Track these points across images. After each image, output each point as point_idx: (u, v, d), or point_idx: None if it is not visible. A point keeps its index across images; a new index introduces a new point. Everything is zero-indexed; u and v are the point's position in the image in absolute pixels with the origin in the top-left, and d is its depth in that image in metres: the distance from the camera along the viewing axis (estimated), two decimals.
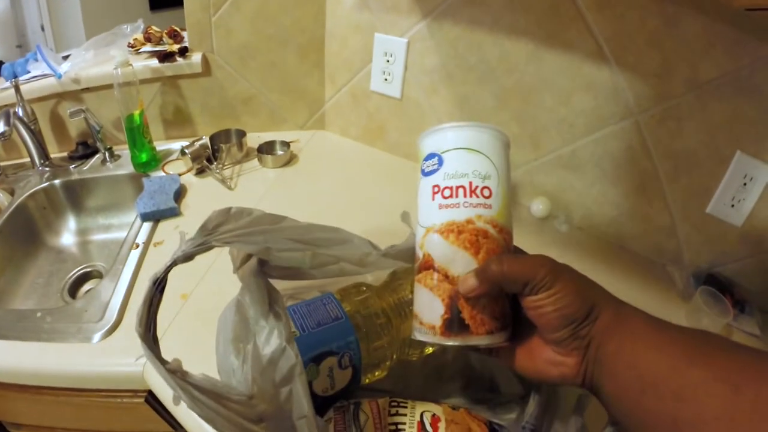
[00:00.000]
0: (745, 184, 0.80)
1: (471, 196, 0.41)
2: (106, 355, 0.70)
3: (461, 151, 0.42)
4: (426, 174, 0.44)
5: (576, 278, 0.39)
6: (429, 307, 0.42)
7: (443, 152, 0.43)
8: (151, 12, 2.72)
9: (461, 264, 0.41)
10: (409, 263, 0.53)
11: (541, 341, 0.41)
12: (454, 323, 0.41)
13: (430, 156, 0.44)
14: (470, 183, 0.41)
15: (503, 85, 0.94)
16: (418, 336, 0.44)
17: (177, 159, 1.12)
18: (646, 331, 0.37)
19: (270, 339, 0.46)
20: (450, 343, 0.41)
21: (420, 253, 0.44)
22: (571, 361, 0.39)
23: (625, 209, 0.93)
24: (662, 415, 0.33)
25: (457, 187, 0.41)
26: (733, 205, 0.83)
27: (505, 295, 0.42)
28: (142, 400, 0.73)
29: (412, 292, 0.46)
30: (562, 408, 0.49)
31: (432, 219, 0.43)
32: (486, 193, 0.41)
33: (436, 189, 0.43)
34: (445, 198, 0.42)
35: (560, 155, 0.94)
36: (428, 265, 0.43)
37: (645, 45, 0.79)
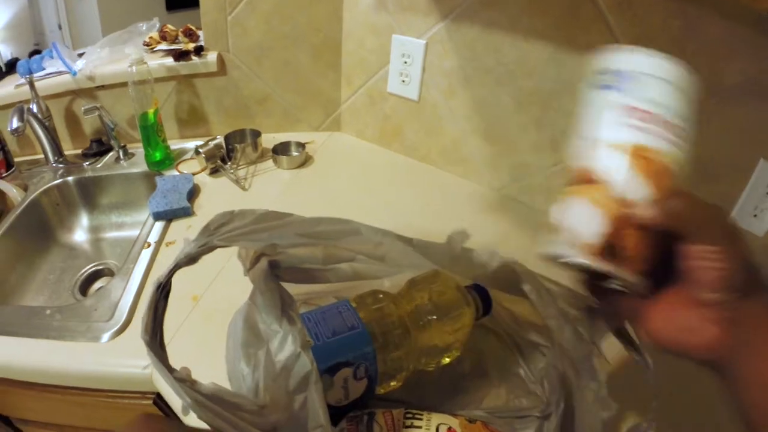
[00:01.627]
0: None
1: (669, 131, 0.39)
2: (115, 356, 0.69)
3: (668, 84, 0.41)
4: (617, 90, 0.41)
5: (747, 251, 0.35)
6: (587, 223, 0.38)
7: (647, 75, 0.41)
8: (167, 12, 2.73)
9: (639, 191, 0.37)
10: (432, 262, 0.51)
11: (688, 301, 0.37)
12: (612, 247, 0.37)
13: (630, 75, 0.41)
14: (672, 118, 0.39)
15: (522, 88, 0.92)
16: (558, 251, 0.39)
17: (191, 158, 1.12)
18: None
19: (284, 345, 0.45)
20: (600, 266, 0.37)
21: (586, 165, 0.40)
22: (715, 331, 0.35)
23: None
24: None
25: (658, 116, 0.39)
26: (755, 215, 0.80)
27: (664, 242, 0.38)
28: (151, 402, 0.72)
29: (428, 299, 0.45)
30: (583, 426, 0.47)
31: (616, 136, 0.39)
32: (682, 134, 0.39)
33: (630, 108, 0.39)
34: (641, 120, 0.39)
35: None
36: (597, 180, 0.39)
37: (667, 47, 0.76)
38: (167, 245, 0.88)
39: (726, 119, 0.76)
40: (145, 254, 0.86)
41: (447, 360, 0.61)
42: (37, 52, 1.65)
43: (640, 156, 0.38)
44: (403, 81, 1.04)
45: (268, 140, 1.15)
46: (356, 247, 0.53)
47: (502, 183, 1.03)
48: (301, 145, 1.13)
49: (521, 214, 0.99)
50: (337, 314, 0.56)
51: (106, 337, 0.71)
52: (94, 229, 1.13)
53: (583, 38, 0.82)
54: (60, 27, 2.45)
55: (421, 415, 0.54)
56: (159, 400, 0.72)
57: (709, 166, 0.80)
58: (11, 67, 1.28)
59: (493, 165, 1.02)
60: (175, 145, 1.15)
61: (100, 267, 1.06)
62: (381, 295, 0.60)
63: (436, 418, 0.54)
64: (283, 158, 1.09)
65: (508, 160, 1.00)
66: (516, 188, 1.02)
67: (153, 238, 0.89)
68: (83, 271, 1.04)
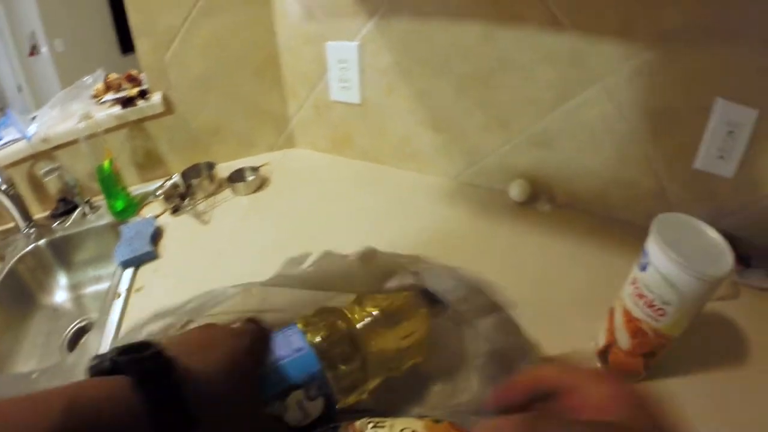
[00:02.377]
0: (731, 131, 0.75)
1: (648, 308, 0.55)
2: None
3: (661, 275, 0.54)
4: (639, 267, 0.57)
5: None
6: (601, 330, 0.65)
7: (654, 265, 0.55)
8: (122, 55, 2.74)
9: (623, 336, 0.60)
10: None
11: None
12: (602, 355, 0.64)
13: (646, 261, 0.56)
14: (653, 300, 0.55)
15: (461, 73, 0.91)
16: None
17: (152, 201, 1.12)
18: None
19: None
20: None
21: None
22: None
23: (608, 178, 0.89)
24: None
25: (643, 296, 0.56)
26: (721, 156, 0.78)
27: None
28: None
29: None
30: None
31: (625, 294, 0.59)
32: (660, 312, 0.54)
33: (634, 281, 0.57)
34: (635, 292, 0.57)
35: (532, 134, 0.91)
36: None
37: (600, 4, 0.75)
38: (136, 291, 0.88)
39: (674, 65, 0.75)
40: (117, 304, 0.87)
41: (410, 363, 0.60)
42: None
43: (626, 314, 0.59)
44: (344, 87, 1.04)
45: (225, 169, 1.15)
46: (242, 308, 0.53)
47: (457, 170, 1.02)
48: (255, 169, 1.13)
49: (481, 197, 0.99)
50: (283, 339, 0.56)
51: None
52: (74, 287, 1.13)
53: (513, 9, 0.82)
54: (20, 89, 2.47)
55: (384, 422, 0.54)
56: None
57: (667, 115, 0.78)
58: None
59: (445, 154, 1.02)
60: (137, 189, 1.15)
61: (85, 322, 1.06)
62: (329, 312, 0.59)
63: (400, 423, 0.53)
64: (240, 185, 1.09)
65: (459, 147, 0.99)
66: (471, 173, 1.01)
67: (123, 286, 0.90)
68: (69, 329, 1.05)
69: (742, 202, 0.80)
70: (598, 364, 0.63)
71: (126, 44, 2.75)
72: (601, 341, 0.63)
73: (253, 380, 0.42)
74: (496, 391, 0.34)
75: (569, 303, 0.73)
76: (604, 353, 0.63)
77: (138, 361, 0.35)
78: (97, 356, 0.36)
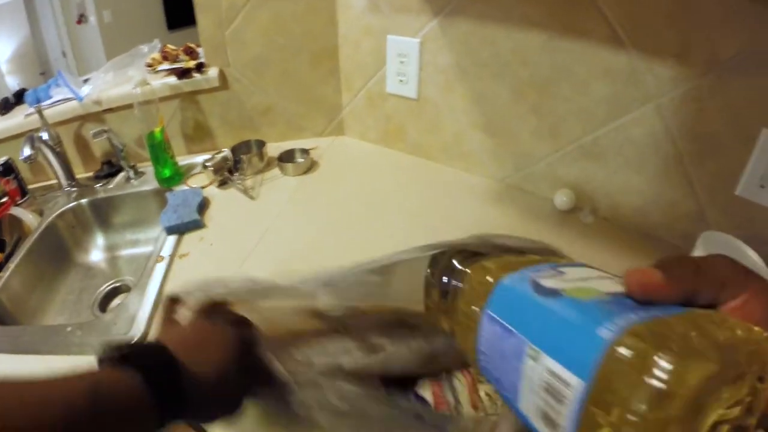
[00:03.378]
0: None
1: None
2: None
3: None
4: None
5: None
6: None
7: None
8: (168, 31, 2.77)
9: None
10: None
11: None
12: None
13: None
14: None
15: (519, 78, 0.93)
16: None
17: (199, 173, 1.14)
18: None
19: None
20: None
21: None
22: None
23: (651, 197, 0.90)
24: None
25: None
26: (762, 186, 0.80)
27: None
28: None
29: None
30: None
31: None
32: None
33: None
34: None
35: (581, 145, 0.93)
36: None
37: (661, 25, 0.77)
38: (180, 258, 0.90)
39: (725, 93, 0.76)
40: (160, 268, 0.88)
41: None
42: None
43: None
44: (401, 80, 1.06)
45: (274, 149, 1.17)
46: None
47: (505, 173, 1.04)
48: (306, 152, 1.15)
49: (526, 202, 1.00)
50: None
51: None
52: (110, 248, 1.15)
53: (577, 23, 0.83)
54: (64, 54, 2.50)
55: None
56: None
57: (713, 141, 0.80)
58: (19, 97, 1.32)
59: (495, 156, 1.03)
60: (183, 160, 1.17)
61: (118, 284, 1.08)
62: None
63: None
64: (289, 165, 1.10)
65: (510, 150, 1.00)
66: (519, 177, 1.02)
67: (166, 251, 0.91)
68: (101, 289, 1.06)
69: None
70: None
71: (173, 20, 2.79)
72: None
73: (241, 384, 0.43)
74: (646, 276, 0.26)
75: None
76: None
77: (148, 356, 0.38)
78: (108, 348, 0.38)
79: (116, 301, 1.05)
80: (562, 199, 0.95)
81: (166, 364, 0.38)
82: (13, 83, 2.26)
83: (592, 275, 0.30)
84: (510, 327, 0.28)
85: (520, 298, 0.29)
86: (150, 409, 0.35)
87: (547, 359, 0.25)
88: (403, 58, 1.03)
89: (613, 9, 0.79)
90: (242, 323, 0.44)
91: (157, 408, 0.35)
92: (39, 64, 2.51)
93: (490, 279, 0.32)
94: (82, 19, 2.66)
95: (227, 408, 0.42)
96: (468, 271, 0.35)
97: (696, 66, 0.77)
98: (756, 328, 0.23)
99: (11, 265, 0.96)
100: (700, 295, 0.26)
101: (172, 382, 0.37)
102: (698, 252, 0.57)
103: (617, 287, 0.27)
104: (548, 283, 0.29)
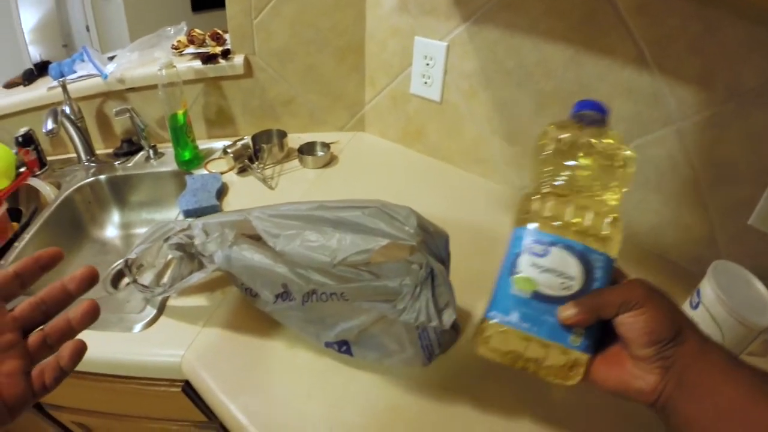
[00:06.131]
0: None
1: None
2: (146, 345, 0.73)
3: (710, 315, 0.60)
4: (691, 305, 0.63)
5: (667, 302, 0.42)
6: None
7: (705, 305, 0.63)
8: (193, 13, 2.78)
9: None
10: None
11: (625, 357, 0.43)
12: None
13: (698, 300, 0.63)
14: None
15: (542, 90, 0.94)
16: None
17: (219, 158, 1.15)
18: (726, 364, 0.40)
19: None
20: None
21: None
22: (651, 380, 0.41)
23: (666, 217, 0.91)
24: None
25: None
26: None
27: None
28: (179, 389, 0.75)
29: None
30: None
31: None
32: None
33: None
34: None
35: None
36: None
37: (686, 50, 0.77)
38: None
39: (746, 122, 0.76)
40: None
41: None
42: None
43: None
44: (426, 82, 1.06)
45: (294, 140, 1.18)
46: None
47: (523, 182, 1.04)
48: (326, 145, 1.16)
49: None
50: None
51: (138, 327, 0.75)
52: (125, 226, 1.16)
53: (603, 40, 0.84)
54: (88, 28, 2.52)
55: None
56: (187, 387, 0.75)
57: (730, 168, 0.81)
58: (42, 69, 1.33)
59: (514, 164, 1.04)
60: (203, 144, 1.18)
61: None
62: None
63: None
64: (309, 158, 1.11)
65: (529, 160, 1.01)
66: None
67: None
68: (114, 265, 1.08)
69: None
70: None
71: (198, 2, 2.80)
72: None
73: None
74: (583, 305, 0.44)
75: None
76: None
77: None
78: None
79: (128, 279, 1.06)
80: None
81: None
82: (35, 53, 2.27)
83: None
84: None
85: None
86: None
87: None
88: (429, 60, 1.03)
89: (641, 29, 0.79)
90: None
91: None
92: (62, 36, 2.52)
93: None
94: None
95: None
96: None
97: (718, 93, 0.77)
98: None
99: (26, 235, 0.98)
100: (605, 315, 0.43)
101: None
102: (708, 279, 0.60)
103: None
104: None
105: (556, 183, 0.49)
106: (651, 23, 0.78)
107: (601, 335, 0.45)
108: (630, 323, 0.41)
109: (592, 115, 0.51)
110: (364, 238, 0.56)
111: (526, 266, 0.46)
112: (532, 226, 0.48)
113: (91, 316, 0.41)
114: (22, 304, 0.39)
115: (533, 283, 0.46)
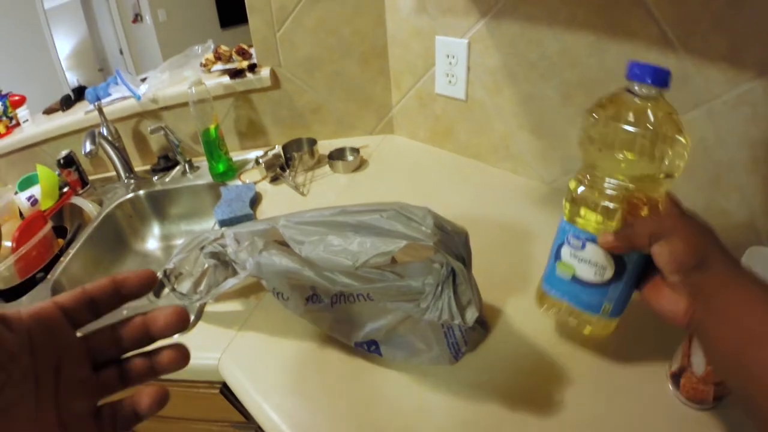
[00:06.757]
0: None
1: None
2: None
3: None
4: None
5: (696, 232, 0.46)
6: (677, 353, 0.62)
7: None
8: (221, 29, 2.85)
9: (698, 362, 0.57)
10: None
11: (663, 284, 0.49)
12: (675, 377, 0.61)
13: None
14: None
15: (567, 80, 0.93)
16: None
17: (252, 168, 1.18)
18: (755, 290, 0.42)
19: None
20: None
21: None
22: (682, 304, 0.46)
23: (700, 204, 0.89)
24: (762, 366, 0.38)
25: None
26: None
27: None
28: (218, 391, 0.78)
29: None
30: None
31: None
32: None
33: None
34: None
35: None
36: None
37: (710, 28, 0.75)
38: None
39: None
40: None
41: None
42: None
43: None
44: (450, 81, 1.07)
45: (324, 147, 1.20)
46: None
47: (552, 176, 1.04)
48: (356, 150, 1.17)
49: None
50: None
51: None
52: (165, 237, 1.21)
53: (625, 24, 0.82)
54: (121, 52, 2.61)
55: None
56: (225, 389, 0.77)
57: (767, 146, 0.78)
58: (79, 94, 1.39)
59: (542, 158, 1.03)
60: (236, 156, 1.22)
61: None
62: None
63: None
64: (339, 163, 1.13)
65: (558, 153, 1.00)
66: (567, 180, 1.02)
67: None
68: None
69: None
70: (670, 387, 0.61)
71: (225, 19, 2.87)
72: (675, 364, 0.60)
73: None
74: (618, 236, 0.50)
75: (648, 321, 0.72)
76: (676, 376, 0.60)
77: None
78: None
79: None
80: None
81: None
82: (72, 79, 2.37)
83: None
84: None
85: None
86: None
87: None
88: (452, 59, 1.04)
89: (661, 9, 0.78)
90: None
91: None
92: (97, 61, 2.62)
93: None
94: (137, 18, 2.78)
95: None
96: None
97: (748, 69, 0.75)
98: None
99: (71, 251, 1.03)
100: (638, 245, 0.49)
101: None
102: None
103: None
104: None
105: (602, 184, 0.54)
106: (671, 2, 0.76)
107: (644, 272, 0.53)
108: (658, 253, 0.46)
109: (643, 88, 0.53)
110: (384, 241, 0.58)
111: (566, 255, 0.57)
112: (572, 221, 0.56)
113: (178, 364, 0.34)
114: (94, 331, 0.33)
115: (572, 269, 0.56)
